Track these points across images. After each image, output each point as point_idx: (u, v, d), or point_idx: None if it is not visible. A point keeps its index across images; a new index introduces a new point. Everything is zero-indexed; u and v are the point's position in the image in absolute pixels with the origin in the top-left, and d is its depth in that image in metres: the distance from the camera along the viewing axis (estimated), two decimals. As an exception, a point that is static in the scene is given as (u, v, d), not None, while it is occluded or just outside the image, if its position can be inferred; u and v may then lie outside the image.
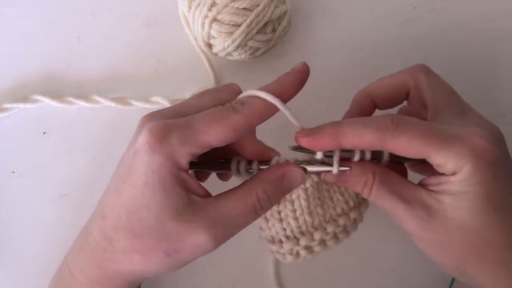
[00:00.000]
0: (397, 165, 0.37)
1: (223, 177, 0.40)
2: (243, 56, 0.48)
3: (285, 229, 0.37)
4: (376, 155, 0.36)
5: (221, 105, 0.34)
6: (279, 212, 0.37)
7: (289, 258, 0.38)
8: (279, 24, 0.47)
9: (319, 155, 0.35)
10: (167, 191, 0.32)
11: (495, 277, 0.33)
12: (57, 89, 0.50)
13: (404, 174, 0.38)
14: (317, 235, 0.37)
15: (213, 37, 0.47)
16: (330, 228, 0.37)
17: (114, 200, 0.34)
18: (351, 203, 0.38)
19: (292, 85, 0.35)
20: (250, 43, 0.46)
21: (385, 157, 0.36)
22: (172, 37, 0.52)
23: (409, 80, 0.38)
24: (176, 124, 0.32)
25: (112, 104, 0.49)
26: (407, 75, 0.38)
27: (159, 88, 0.51)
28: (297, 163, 0.35)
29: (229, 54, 0.47)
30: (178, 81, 0.51)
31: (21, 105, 0.49)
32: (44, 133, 0.49)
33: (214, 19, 0.45)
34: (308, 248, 0.37)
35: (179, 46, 0.51)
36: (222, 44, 0.46)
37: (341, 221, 0.38)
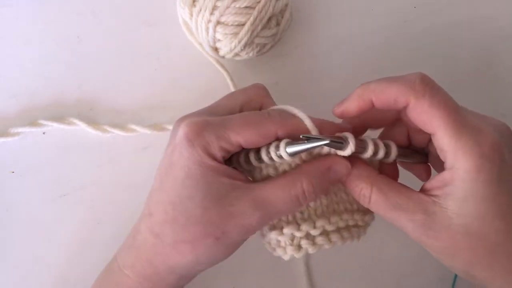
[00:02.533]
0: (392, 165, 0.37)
1: None
2: (250, 54, 0.47)
3: (287, 215, 0.36)
4: (386, 152, 0.35)
5: (258, 110, 0.37)
6: None
7: (290, 250, 0.36)
8: (282, 17, 0.47)
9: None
10: (209, 179, 0.33)
11: (502, 281, 0.33)
12: (57, 88, 0.50)
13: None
14: (319, 222, 0.36)
15: (219, 40, 0.46)
16: (333, 219, 0.36)
17: (158, 197, 0.35)
18: (355, 206, 0.38)
19: (330, 129, 0.36)
20: (256, 40, 0.46)
21: (393, 153, 0.35)
22: (172, 37, 0.52)
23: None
24: (212, 121, 0.35)
25: (113, 106, 0.49)
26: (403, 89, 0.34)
27: (159, 88, 0.51)
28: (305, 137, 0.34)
29: (236, 54, 0.47)
30: (178, 81, 0.51)
31: (21, 105, 0.49)
32: (43, 133, 0.49)
33: (218, 22, 0.45)
34: (309, 237, 0.36)
35: (179, 46, 0.51)
36: (229, 45, 0.46)
37: (345, 216, 0.37)
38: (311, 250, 0.36)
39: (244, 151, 0.36)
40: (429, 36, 0.53)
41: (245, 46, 0.46)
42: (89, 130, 0.49)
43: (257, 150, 0.35)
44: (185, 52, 0.51)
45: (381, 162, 0.37)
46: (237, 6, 0.44)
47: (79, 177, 0.49)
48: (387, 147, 0.35)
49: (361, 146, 0.34)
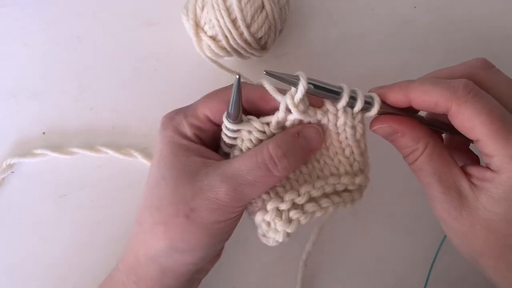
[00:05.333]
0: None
1: None
2: (258, 48, 0.48)
3: (268, 193, 0.34)
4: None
5: None
6: None
7: (280, 225, 0.33)
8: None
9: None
10: (180, 158, 0.34)
11: (504, 276, 0.33)
12: (57, 88, 0.50)
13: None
14: (303, 189, 0.34)
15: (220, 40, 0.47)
16: (318, 184, 0.34)
17: (144, 186, 0.36)
18: (342, 169, 0.36)
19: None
20: (255, 34, 0.46)
21: (376, 104, 0.34)
22: (172, 37, 0.51)
23: (467, 76, 0.34)
24: (182, 107, 0.37)
25: (113, 107, 0.49)
26: (465, 70, 0.36)
27: (159, 88, 0.51)
28: (312, 84, 0.33)
29: (236, 51, 0.48)
30: (178, 81, 0.51)
31: (21, 105, 0.50)
32: (43, 133, 0.49)
33: (213, 38, 0.47)
34: (297, 207, 0.34)
35: (179, 46, 0.51)
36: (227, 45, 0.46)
37: (331, 180, 0.35)
38: (303, 219, 0.34)
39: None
40: (429, 36, 0.53)
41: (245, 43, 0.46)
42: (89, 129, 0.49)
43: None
44: (185, 52, 0.51)
45: None
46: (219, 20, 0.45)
47: (79, 177, 0.49)
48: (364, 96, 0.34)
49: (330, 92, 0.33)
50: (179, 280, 0.36)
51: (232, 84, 0.33)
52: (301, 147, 0.34)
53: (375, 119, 0.35)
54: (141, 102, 0.51)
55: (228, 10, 0.45)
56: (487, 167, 0.32)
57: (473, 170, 0.33)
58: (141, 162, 0.49)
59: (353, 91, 0.34)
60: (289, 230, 0.33)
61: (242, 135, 0.35)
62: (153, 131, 0.49)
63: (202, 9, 0.46)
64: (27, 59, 0.51)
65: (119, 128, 0.50)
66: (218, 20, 0.45)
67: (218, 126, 0.36)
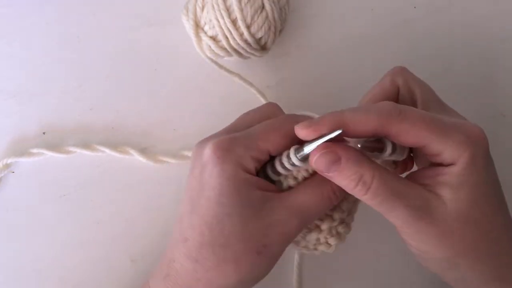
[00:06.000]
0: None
1: None
2: (258, 48, 0.48)
3: None
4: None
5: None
6: None
7: (333, 241, 0.38)
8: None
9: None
10: (243, 194, 0.33)
11: (484, 267, 0.33)
12: (57, 88, 0.50)
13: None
14: (344, 205, 0.37)
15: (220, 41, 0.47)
16: (351, 197, 0.37)
17: (191, 221, 0.34)
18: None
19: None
20: (255, 34, 0.46)
21: (388, 150, 0.34)
22: (172, 37, 0.51)
23: (397, 79, 0.38)
24: (237, 136, 0.35)
25: (113, 106, 0.49)
26: (392, 76, 0.39)
27: (159, 88, 0.51)
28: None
29: (237, 51, 0.48)
30: (178, 81, 0.51)
31: (21, 105, 0.50)
32: (43, 133, 0.49)
33: (213, 38, 0.47)
34: (342, 221, 0.38)
35: (179, 46, 0.51)
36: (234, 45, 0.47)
37: (352, 198, 0.38)
38: (346, 232, 0.38)
39: (267, 164, 0.36)
40: (429, 36, 0.53)
41: (245, 42, 0.46)
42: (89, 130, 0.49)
43: (272, 164, 0.36)
44: (185, 52, 0.51)
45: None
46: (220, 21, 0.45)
47: (79, 177, 0.49)
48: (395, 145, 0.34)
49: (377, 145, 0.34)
50: None
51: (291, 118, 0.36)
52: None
53: (312, 152, 0.32)
54: (141, 102, 0.51)
55: (228, 10, 0.45)
56: (436, 165, 0.33)
57: (421, 173, 0.34)
58: (141, 162, 0.48)
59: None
60: (340, 242, 0.38)
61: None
62: (153, 131, 0.50)
63: (202, 9, 0.46)
64: (27, 59, 0.51)
65: (119, 128, 0.50)
66: (218, 20, 0.45)
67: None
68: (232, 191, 0.33)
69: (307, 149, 0.33)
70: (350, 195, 0.36)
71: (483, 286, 0.34)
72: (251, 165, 0.34)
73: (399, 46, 0.53)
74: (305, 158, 0.33)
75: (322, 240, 0.37)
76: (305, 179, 0.36)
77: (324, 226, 0.37)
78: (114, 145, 0.49)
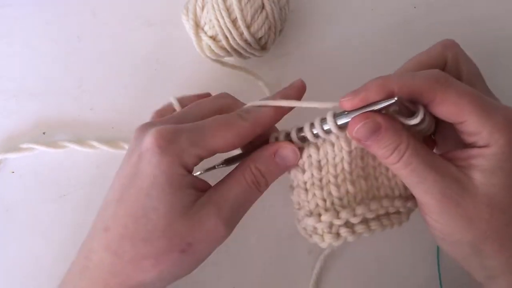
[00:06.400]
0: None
1: None
2: (258, 48, 0.48)
3: (325, 200, 0.35)
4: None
5: (227, 113, 0.36)
6: (321, 180, 0.35)
7: (328, 238, 0.35)
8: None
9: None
10: (175, 190, 0.32)
11: (509, 255, 0.33)
12: (57, 88, 0.50)
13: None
14: (359, 209, 0.34)
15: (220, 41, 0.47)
16: (373, 206, 0.35)
17: (117, 209, 0.33)
18: (397, 192, 0.36)
19: (294, 96, 0.37)
20: (255, 34, 0.46)
21: (420, 115, 0.32)
22: (172, 37, 0.52)
23: (447, 52, 0.37)
24: (185, 127, 0.33)
25: (113, 106, 0.49)
26: (443, 48, 0.37)
27: (158, 88, 0.51)
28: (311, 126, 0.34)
29: (237, 52, 0.48)
30: (178, 81, 0.51)
31: (21, 105, 0.50)
32: (43, 133, 0.49)
33: (213, 38, 0.47)
34: (349, 225, 0.34)
35: (179, 46, 0.51)
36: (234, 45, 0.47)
37: (385, 203, 0.35)
38: (350, 238, 0.35)
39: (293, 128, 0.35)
40: (429, 36, 0.53)
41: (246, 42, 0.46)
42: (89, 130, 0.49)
43: (299, 129, 0.35)
44: (185, 53, 0.51)
45: None
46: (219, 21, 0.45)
47: (79, 177, 0.49)
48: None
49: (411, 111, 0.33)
50: None
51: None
52: (277, 167, 0.35)
53: (353, 119, 0.32)
54: (141, 102, 0.50)
55: (228, 10, 0.45)
56: (467, 149, 0.32)
57: (454, 154, 0.33)
58: (141, 162, 0.48)
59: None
60: (335, 244, 0.35)
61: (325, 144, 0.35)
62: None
63: (202, 9, 0.46)
64: (27, 59, 0.51)
65: (119, 127, 0.50)
66: (218, 20, 0.45)
67: None
68: (164, 185, 0.32)
69: (348, 117, 0.32)
70: (376, 201, 0.35)
71: (504, 275, 0.34)
72: (191, 162, 0.33)
73: (399, 46, 0.53)
74: (344, 125, 0.32)
75: (319, 231, 0.35)
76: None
77: (325, 218, 0.34)
78: (114, 145, 0.49)
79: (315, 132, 0.34)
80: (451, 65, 0.37)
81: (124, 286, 0.33)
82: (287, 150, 0.35)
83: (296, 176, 0.36)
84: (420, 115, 0.32)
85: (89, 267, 0.34)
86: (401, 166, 0.32)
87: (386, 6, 0.54)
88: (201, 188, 0.34)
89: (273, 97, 0.36)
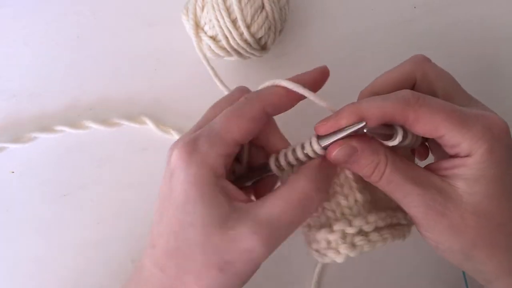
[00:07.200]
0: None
1: (261, 191, 0.38)
2: (258, 48, 0.48)
3: (334, 211, 0.34)
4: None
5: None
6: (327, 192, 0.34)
7: (343, 249, 0.33)
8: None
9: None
10: (208, 201, 0.31)
11: (500, 260, 0.33)
12: (57, 88, 0.50)
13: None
14: (371, 218, 0.33)
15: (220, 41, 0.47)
16: (382, 214, 0.34)
17: (160, 227, 0.33)
18: (394, 204, 0.35)
19: (312, 80, 0.36)
20: (255, 34, 0.46)
21: (398, 137, 0.33)
22: (172, 37, 0.51)
23: (416, 70, 0.37)
24: (201, 133, 0.33)
25: (113, 107, 0.49)
26: (412, 65, 0.37)
27: (159, 88, 0.51)
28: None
29: (237, 52, 0.48)
30: (178, 81, 0.51)
31: (21, 105, 0.49)
32: (44, 133, 0.49)
33: (213, 38, 0.47)
34: (363, 234, 0.33)
35: (179, 46, 0.51)
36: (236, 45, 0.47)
37: (390, 213, 0.35)
38: (367, 247, 0.33)
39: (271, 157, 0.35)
40: (429, 36, 0.53)
41: (245, 43, 0.46)
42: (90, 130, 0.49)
43: (277, 158, 0.34)
44: (185, 53, 0.51)
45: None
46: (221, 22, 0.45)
47: (79, 177, 0.49)
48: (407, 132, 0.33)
49: (390, 131, 0.33)
50: None
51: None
52: (328, 176, 0.34)
53: (331, 146, 0.32)
54: (141, 103, 0.50)
55: (228, 10, 0.45)
56: (453, 157, 0.33)
57: (438, 165, 0.33)
58: (141, 162, 0.49)
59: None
60: (352, 255, 0.33)
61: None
62: (153, 131, 0.50)
63: (202, 9, 0.46)
64: (27, 59, 0.51)
65: (119, 127, 0.50)
66: (218, 20, 0.45)
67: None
68: (196, 198, 0.31)
69: (325, 141, 0.32)
70: (382, 211, 0.34)
71: (500, 278, 0.34)
72: (219, 163, 0.32)
73: (399, 46, 0.53)
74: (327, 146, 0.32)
75: (333, 244, 0.33)
76: None
77: (337, 227, 0.33)
78: (114, 145, 0.49)
79: (305, 152, 0.33)
80: (421, 81, 0.37)
81: None
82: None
83: None
84: (398, 137, 0.32)
85: (140, 282, 0.34)
86: (384, 184, 0.33)
87: (386, 6, 0.54)
88: (236, 197, 0.33)
89: (291, 78, 0.36)
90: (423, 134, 0.33)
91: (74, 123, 0.49)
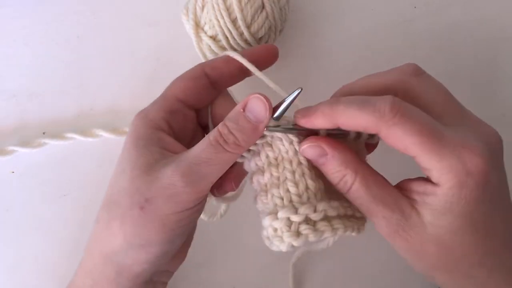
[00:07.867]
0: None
1: (221, 190, 0.38)
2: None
3: (282, 198, 0.33)
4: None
5: None
6: (278, 178, 0.34)
7: (287, 236, 0.32)
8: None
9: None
10: (140, 149, 0.34)
11: (462, 285, 0.33)
12: (57, 88, 0.50)
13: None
14: (320, 206, 0.32)
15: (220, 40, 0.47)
16: (334, 203, 0.33)
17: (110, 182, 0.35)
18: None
19: (256, 55, 0.39)
20: (255, 34, 0.46)
21: (351, 134, 0.34)
22: (172, 37, 0.52)
23: (398, 83, 0.35)
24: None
25: (113, 106, 0.49)
26: (397, 77, 0.35)
27: (159, 88, 0.51)
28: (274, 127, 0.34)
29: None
30: (178, 81, 0.51)
31: (21, 105, 0.50)
32: (43, 133, 0.49)
33: (213, 38, 0.47)
34: (309, 222, 0.32)
35: (179, 46, 0.51)
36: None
37: (345, 203, 0.34)
38: (312, 237, 0.32)
39: None
40: (429, 36, 0.53)
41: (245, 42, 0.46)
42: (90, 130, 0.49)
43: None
44: (185, 53, 0.51)
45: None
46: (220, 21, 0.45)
47: (79, 177, 0.49)
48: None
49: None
50: (135, 282, 0.35)
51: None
52: (248, 122, 0.33)
53: (305, 139, 0.33)
54: (141, 102, 0.50)
55: (228, 10, 0.45)
56: (428, 180, 0.32)
57: (413, 185, 0.32)
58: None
59: None
60: (295, 244, 0.32)
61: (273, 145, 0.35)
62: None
63: (202, 9, 0.46)
64: (27, 59, 0.51)
65: (118, 128, 0.50)
66: (218, 20, 0.45)
67: (189, 109, 0.37)
68: (130, 148, 0.34)
69: (277, 113, 0.34)
70: (335, 200, 0.34)
71: None
72: (159, 117, 0.35)
73: (399, 46, 0.53)
74: (278, 117, 0.34)
75: (279, 231, 0.32)
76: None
77: (281, 214, 0.32)
78: (114, 145, 0.49)
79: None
80: (403, 97, 0.34)
81: (99, 251, 0.34)
82: (254, 101, 0.33)
83: (258, 181, 0.35)
84: (352, 134, 0.34)
85: (90, 236, 0.36)
86: (351, 198, 0.33)
87: (386, 6, 0.54)
88: (173, 150, 0.34)
89: (240, 52, 0.39)
90: (394, 148, 0.32)
91: (84, 131, 0.49)
